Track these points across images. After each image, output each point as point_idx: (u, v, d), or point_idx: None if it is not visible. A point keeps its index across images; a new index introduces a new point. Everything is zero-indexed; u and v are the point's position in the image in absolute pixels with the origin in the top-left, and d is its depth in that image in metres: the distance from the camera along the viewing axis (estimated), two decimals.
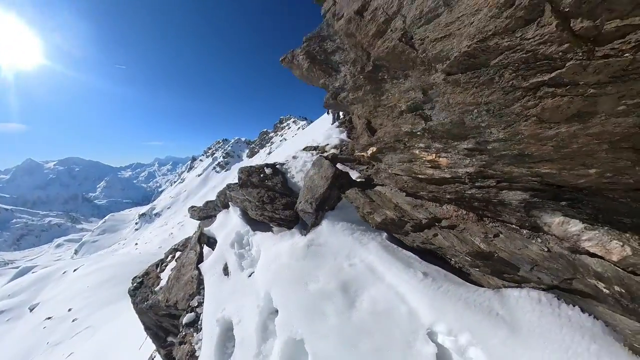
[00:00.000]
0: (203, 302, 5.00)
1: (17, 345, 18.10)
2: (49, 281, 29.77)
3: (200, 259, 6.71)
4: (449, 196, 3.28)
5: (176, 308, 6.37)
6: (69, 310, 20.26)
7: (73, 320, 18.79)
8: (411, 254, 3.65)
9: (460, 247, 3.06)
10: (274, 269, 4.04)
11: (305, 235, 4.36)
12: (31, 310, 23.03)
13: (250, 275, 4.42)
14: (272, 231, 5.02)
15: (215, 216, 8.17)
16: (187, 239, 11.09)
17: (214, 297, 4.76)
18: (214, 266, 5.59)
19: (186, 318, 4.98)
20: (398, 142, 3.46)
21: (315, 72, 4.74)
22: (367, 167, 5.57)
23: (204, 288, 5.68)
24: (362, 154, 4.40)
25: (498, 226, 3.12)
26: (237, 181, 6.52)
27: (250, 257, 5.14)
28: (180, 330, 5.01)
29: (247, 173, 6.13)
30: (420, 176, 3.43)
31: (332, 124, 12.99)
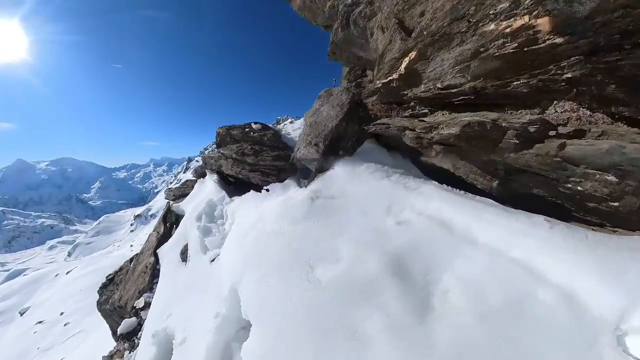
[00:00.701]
0: (152, 301, 3.30)
1: (6, 351, 16.88)
2: (40, 284, 28.53)
3: (163, 241, 5.01)
4: (568, 74, 1.68)
5: (126, 310, 4.67)
6: (61, 314, 19.11)
7: (65, 325, 17.52)
8: (491, 200, 2.03)
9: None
10: (250, 242, 2.27)
11: (306, 186, 2.64)
12: (22, 314, 21.92)
13: (213, 260, 2.68)
14: (253, 191, 3.30)
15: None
16: None
17: (162, 294, 3.02)
18: (172, 249, 3.84)
19: (122, 326, 3.24)
20: (457, 23, 1.98)
21: None
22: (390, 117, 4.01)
23: (158, 282, 4.01)
24: (388, 78, 2.73)
25: None
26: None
27: (220, 232, 3.37)
28: (116, 342, 3.32)
29: (227, 128, 4.46)
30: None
31: None
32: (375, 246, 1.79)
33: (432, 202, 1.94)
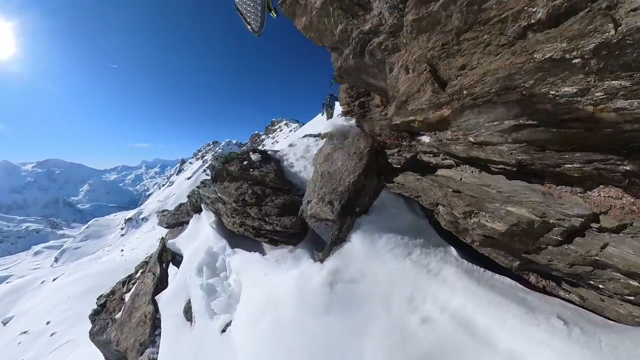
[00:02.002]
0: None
1: None
2: (25, 292, 27.28)
3: (160, 286, 4.72)
4: (626, 167, 1.57)
5: (125, 358, 4.37)
6: (47, 323, 18.28)
7: (52, 334, 16.76)
8: (510, 280, 1.97)
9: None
10: (267, 328, 2.03)
11: (321, 261, 2.43)
12: (5, 324, 20.94)
13: (224, 330, 2.45)
14: (260, 250, 3.06)
15: (187, 224, 6.17)
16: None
17: (168, 358, 2.82)
18: (173, 302, 3.58)
19: None
20: (507, 92, 1.75)
21: (331, 13, 3.15)
22: (402, 150, 3.75)
23: (160, 335, 3.73)
24: (410, 118, 2.56)
25: None
26: (209, 163, 4.55)
27: (226, 291, 3.11)
28: None
29: (224, 159, 4.11)
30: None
31: (328, 119, 11.27)
32: (400, 350, 1.66)
33: (456, 295, 1.83)
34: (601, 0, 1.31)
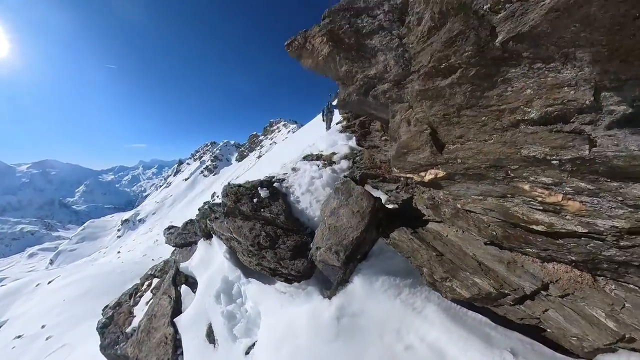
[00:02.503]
0: None
1: None
2: (20, 295, 26.66)
3: (176, 307, 5.15)
4: (572, 257, 2.02)
5: None
6: (43, 327, 18.02)
7: (47, 338, 16.52)
8: (480, 316, 2.44)
9: (578, 325, 1.84)
10: (289, 351, 2.59)
11: (329, 298, 2.96)
12: None
13: (247, 352, 2.94)
14: (273, 282, 3.56)
15: (196, 244, 6.55)
16: (166, 263, 9.36)
17: None
18: (194, 325, 4.03)
19: None
20: (494, 169, 2.11)
21: (337, 61, 3.34)
22: (400, 188, 4.20)
23: (181, 354, 4.15)
24: (408, 175, 3.04)
25: (615, 289, 2.00)
26: (219, 200, 4.88)
27: (244, 317, 3.61)
28: None
29: (235, 197, 4.41)
30: (521, 223, 2.12)
31: (328, 130, 11.50)
32: None
33: (433, 329, 2.34)
34: (585, 115, 1.48)
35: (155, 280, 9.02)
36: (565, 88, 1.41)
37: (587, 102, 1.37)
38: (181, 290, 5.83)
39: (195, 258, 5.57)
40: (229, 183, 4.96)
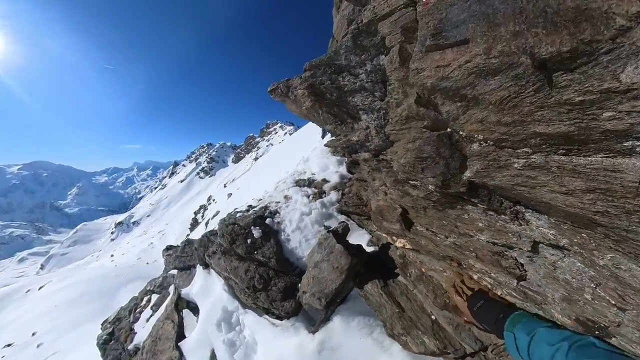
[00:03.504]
0: None
1: None
2: (9, 301, 26.26)
3: (179, 332, 5.67)
4: None
5: None
6: (33, 334, 17.99)
7: (38, 346, 16.44)
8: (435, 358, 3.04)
9: None
10: None
11: (313, 333, 3.59)
12: None
13: None
14: (267, 320, 4.19)
15: (195, 267, 7.05)
16: (165, 279, 9.76)
17: None
18: (198, 349, 4.59)
19: None
20: (450, 259, 2.53)
21: (320, 114, 3.37)
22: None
23: None
24: (383, 235, 3.61)
25: None
26: (214, 235, 5.35)
27: (243, 344, 4.21)
28: None
29: (230, 237, 4.86)
30: None
31: (323, 137, 11.93)
32: None
33: None
34: (524, 252, 1.51)
35: (155, 296, 9.43)
36: (510, 234, 1.59)
37: (526, 249, 1.50)
38: (183, 315, 6.36)
39: (196, 285, 6.10)
40: (225, 218, 5.42)
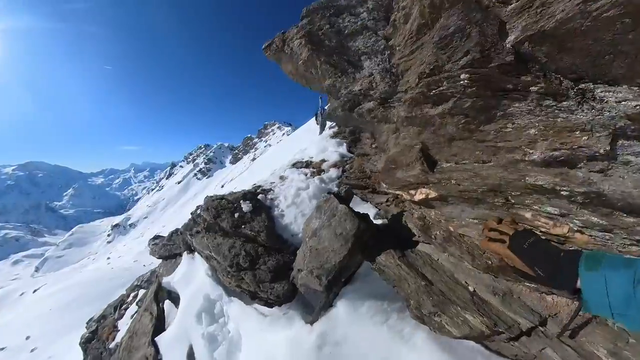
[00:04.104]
0: None
1: None
2: (3, 305, 26.26)
3: (158, 325, 4.93)
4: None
5: None
6: (27, 338, 17.72)
7: (32, 350, 16.11)
8: (473, 344, 2.32)
9: None
10: None
11: (311, 324, 2.82)
12: None
13: None
14: (256, 311, 3.42)
15: (181, 256, 6.32)
16: (153, 273, 9.05)
17: None
18: (176, 344, 3.84)
19: None
20: (492, 194, 1.86)
21: (318, 66, 3.02)
22: (390, 201, 4.08)
23: None
24: (397, 192, 2.90)
25: (618, 323, 1.84)
26: (199, 212, 4.64)
27: (226, 339, 3.45)
28: None
29: (215, 211, 3.94)
30: None
31: (320, 134, 11.34)
32: None
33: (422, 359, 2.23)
34: (597, 162, 1.28)
35: (142, 292, 8.68)
36: (577, 132, 1.22)
37: (602, 150, 1.16)
38: (164, 306, 5.59)
39: (179, 272, 5.35)
40: (212, 195, 4.76)
